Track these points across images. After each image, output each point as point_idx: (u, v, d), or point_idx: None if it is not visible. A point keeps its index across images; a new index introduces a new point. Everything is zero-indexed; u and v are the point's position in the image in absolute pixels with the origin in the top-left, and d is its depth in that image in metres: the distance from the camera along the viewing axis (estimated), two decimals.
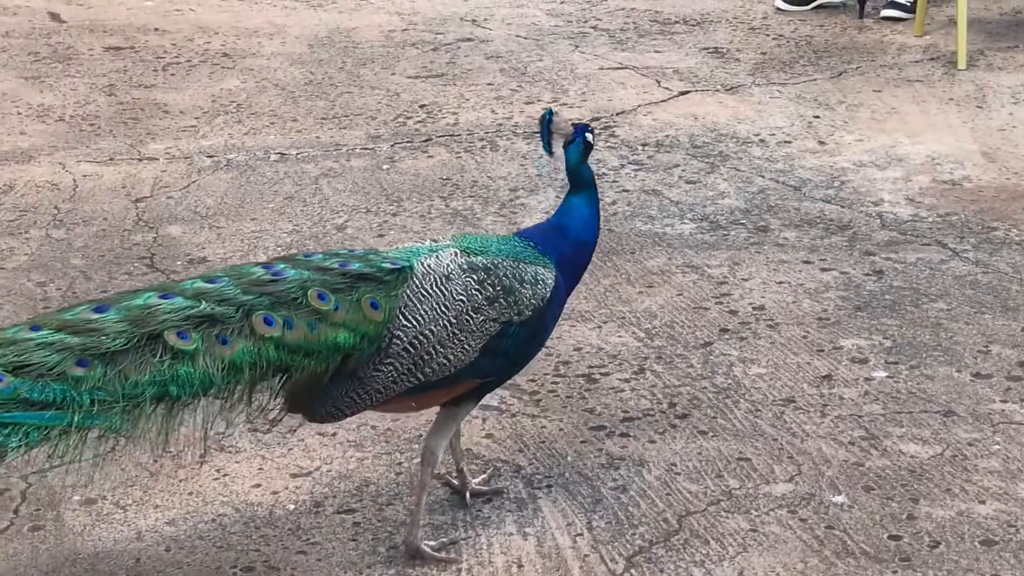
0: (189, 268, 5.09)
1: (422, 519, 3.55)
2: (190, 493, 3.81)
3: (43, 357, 3.05)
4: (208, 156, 6.18)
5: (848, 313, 4.75)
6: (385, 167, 6.06)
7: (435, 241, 3.62)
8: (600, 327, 4.67)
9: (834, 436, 4.03)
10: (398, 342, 3.34)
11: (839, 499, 3.75)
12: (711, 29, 7.98)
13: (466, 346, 3.39)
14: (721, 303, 4.83)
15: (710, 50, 7.60)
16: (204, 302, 3.21)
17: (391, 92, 6.98)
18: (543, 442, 4.02)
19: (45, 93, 6.96)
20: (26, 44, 7.69)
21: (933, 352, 4.49)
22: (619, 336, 4.61)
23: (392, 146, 6.30)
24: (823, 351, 4.51)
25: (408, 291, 3.36)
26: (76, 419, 3.03)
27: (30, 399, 3.01)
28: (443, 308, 3.37)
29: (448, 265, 3.41)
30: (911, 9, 7.92)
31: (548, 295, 3.48)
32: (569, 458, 3.95)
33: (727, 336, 4.61)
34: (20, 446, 3.01)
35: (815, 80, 7.10)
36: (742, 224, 5.47)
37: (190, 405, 3.20)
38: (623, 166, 6.05)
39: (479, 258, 3.45)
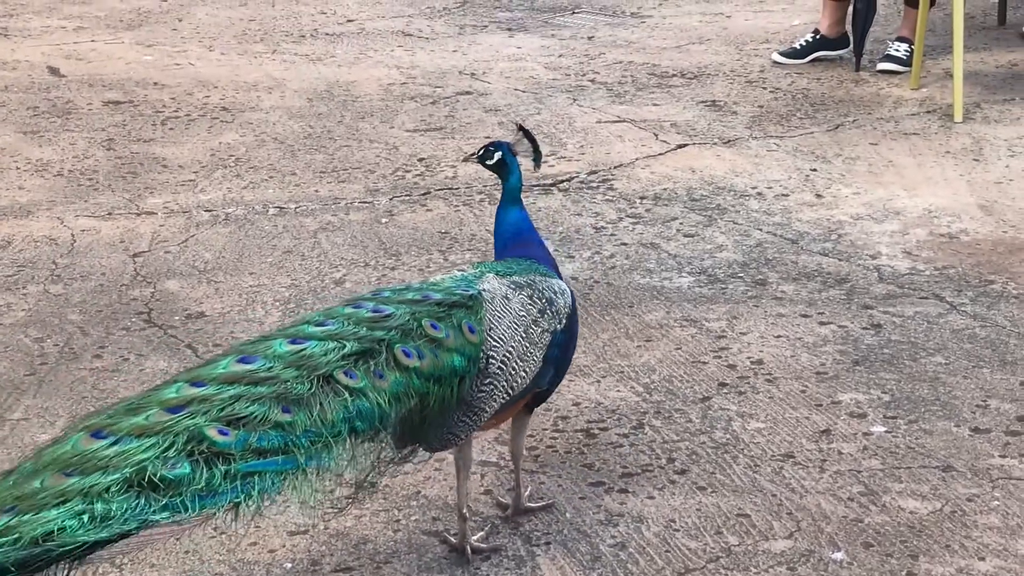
0: (187, 323, 5.09)
1: (524, 485, 3.92)
2: (186, 552, 3.80)
3: (246, 408, 3.16)
4: (207, 210, 6.19)
5: (846, 367, 4.75)
6: (384, 220, 6.07)
7: (462, 271, 3.74)
8: (599, 381, 4.66)
9: (833, 492, 4.02)
10: (494, 361, 3.54)
11: (838, 556, 3.73)
12: (708, 82, 8.02)
13: (534, 357, 3.64)
14: (720, 357, 4.83)
15: (707, 103, 7.63)
16: (347, 342, 3.36)
17: (390, 145, 7.00)
18: (541, 498, 4.01)
19: (44, 147, 6.98)
20: (25, 98, 7.72)
21: (931, 407, 4.48)
22: (618, 391, 4.60)
23: (391, 199, 6.31)
24: (821, 405, 4.50)
25: (487, 314, 3.58)
26: (303, 461, 3.16)
27: (260, 447, 3.12)
28: (515, 325, 3.60)
29: (500, 288, 3.65)
30: (907, 62, 7.96)
31: (571, 301, 3.79)
32: (568, 514, 3.93)
33: (726, 390, 4.60)
34: (270, 491, 3.13)
35: (812, 133, 7.12)
36: (740, 277, 5.47)
37: (371, 439, 3.36)
38: (621, 219, 6.06)
39: (514, 278, 3.71)
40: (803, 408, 4.49)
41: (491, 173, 4.10)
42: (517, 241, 3.90)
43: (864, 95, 7.71)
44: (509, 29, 9.31)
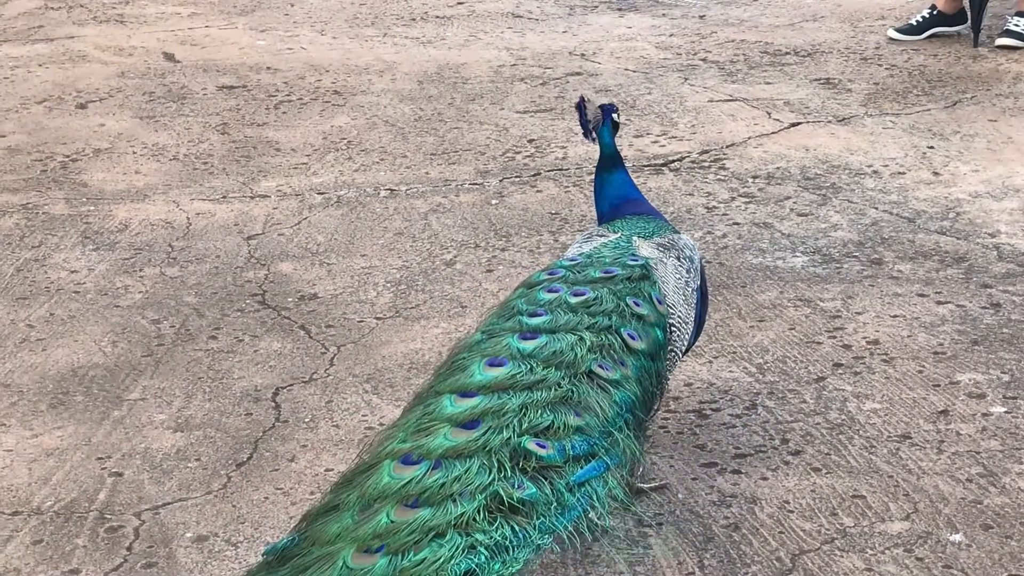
0: (300, 305, 5.13)
1: (639, 468, 3.76)
2: None
3: (544, 417, 3.12)
4: (319, 193, 6.22)
5: (965, 347, 4.66)
6: (494, 202, 6.07)
7: (604, 236, 3.73)
8: (711, 362, 4.62)
9: (951, 473, 3.95)
10: (674, 328, 3.57)
11: (957, 538, 3.66)
12: (822, 60, 7.91)
13: (691, 318, 3.66)
14: (834, 337, 4.76)
15: (821, 81, 7.53)
16: (582, 333, 3.36)
17: (500, 127, 7.00)
18: (654, 479, 3.98)
19: (160, 132, 7.06)
20: (141, 84, 7.82)
21: None
22: (730, 371, 4.56)
23: (501, 181, 6.31)
24: (939, 386, 4.43)
25: (658, 280, 3.59)
26: (609, 460, 3.14)
27: (575, 455, 3.09)
28: (677, 289, 3.62)
29: (654, 251, 3.67)
30: None
31: (699, 256, 3.80)
32: (680, 495, 3.90)
33: (841, 371, 4.54)
34: (602, 496, 3.08)
35: (929, 110, 7.00)
36: (855, 257, 5.39)
37: (636, 426, 3.34)
38: (733, 199, 6.00)
39: (656, 240, 3.74)
40: (920, 388, 4.42)
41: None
42: (627, 200, 3.93)
43: (982, 71, 7.56)
44: (619, 9, 9.26)
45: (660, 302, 3.53)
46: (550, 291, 3.49)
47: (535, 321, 3.39)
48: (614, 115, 4.04)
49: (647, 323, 3.46)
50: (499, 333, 3.37)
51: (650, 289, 3.54)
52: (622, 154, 4.13)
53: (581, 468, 3.05)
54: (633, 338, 3.40)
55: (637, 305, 3.47)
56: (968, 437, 4.13)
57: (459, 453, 3.00)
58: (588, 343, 3.32)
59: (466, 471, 2.96)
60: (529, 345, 3.30)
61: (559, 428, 3.10)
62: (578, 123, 4.07)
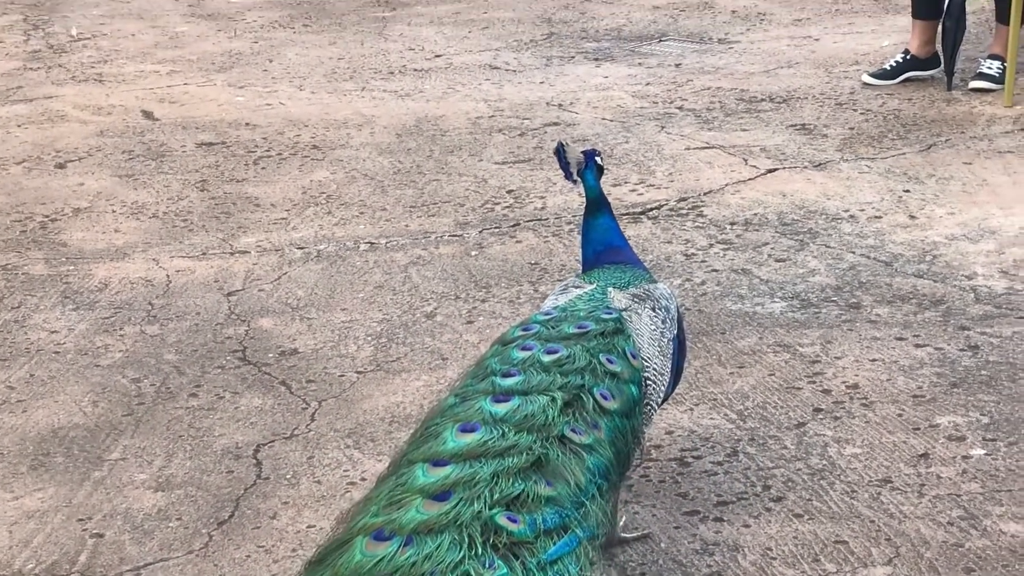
0: (281, 360, 5.13)
1: (621, 518, 3.82)
2: None
3: (514, 487, 3.03)
4: (299, 248, 6.24)
5: (944, 390, 4.68)
6: (474, 253, 6.08)
7: (580, 287, 3.74)
8: (692, 409, 4.63)
9: (932, 516, 3.96)
10: (649, 381, 3.51)
11: None
12: (798, 106, 7.96)
13: (667, 370, 3.62)
14: (814, 382, 4.78)
15: (797, 127, 7.58)
16: (554, 394, 3.29)
17: (479, 178, 7.02)
18: (636, 528, 3.98)
19: (139, 190, 7.07)
20: (120, 143, 7.84)
21: None
22: (711, 418, 4.57)
23: (480, 232, 6.33)
24: (919, 429, 4.44)
25: (632, 333, 3.55)
26: (581, 533, 3.03)
27: (546, 529, 2.98)
28: (652, 341, 3.59)
29: (629, 303, 3.65)
30: (1000, 80, 7.86)
31: (676, 304, 3.78)
32: (663, 544, 3.90)
33: (821, 416, 4.55)
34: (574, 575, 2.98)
35: (904, 154, 7.05)
36: (833, 301, 5.41)
37: (609, 492, 3.27)
38: (711, 246, 6.03)
39: (631, 290, 3.71)
40: (900, 432, 4.43)
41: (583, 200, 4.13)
42: (610, 247, 3.94)
43: (956, 114, 7.62)
44: (596, 59, 9.32)
45: (634, 356, 3.50)
46: (524, 349, 3.45)
47: (508, 382, 3.33)
48: (597, 158, 4.05)
49: (621, 380, 3.41)
50: (472, 396, 3.31)
51: (624, 344, 3.50)
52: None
53: (553, 544, 2.96)
54: (606, 398, 3.34)
55: (611, 362, 3.43)
56: (949, 480, 4.14)
57: (430, 528, 2.91)
58: (560, 404, 3.26)
59: (437, 548, 2.86)
60: (501, 409, 3.23)
61: (530, 497, 3.01)
62: (559, 169, 4.08)
